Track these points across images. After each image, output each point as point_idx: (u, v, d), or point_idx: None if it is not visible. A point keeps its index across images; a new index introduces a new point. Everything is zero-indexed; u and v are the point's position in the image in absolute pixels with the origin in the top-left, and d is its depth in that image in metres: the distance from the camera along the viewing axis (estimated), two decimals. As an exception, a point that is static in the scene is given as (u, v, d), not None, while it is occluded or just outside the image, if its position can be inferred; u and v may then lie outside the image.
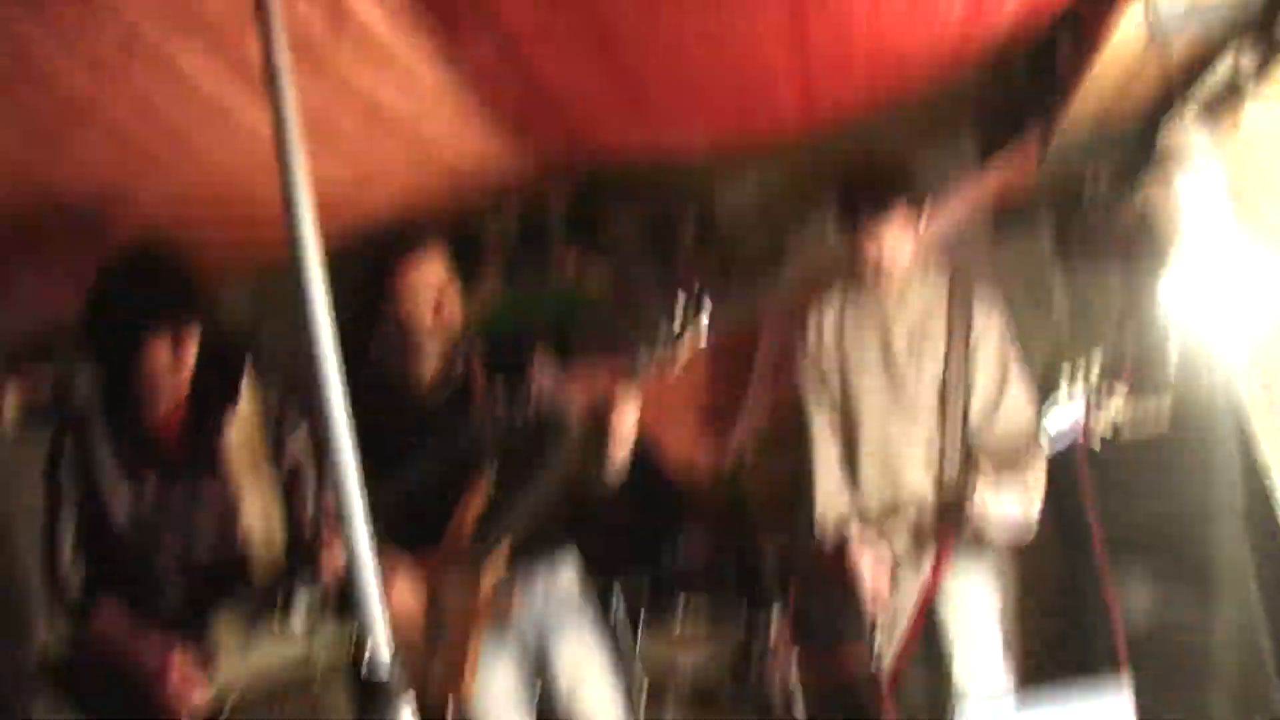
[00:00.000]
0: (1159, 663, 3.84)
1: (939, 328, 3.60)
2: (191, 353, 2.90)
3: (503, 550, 3.42)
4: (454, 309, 3.51)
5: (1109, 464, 3.90)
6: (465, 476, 3.46)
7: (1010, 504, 3.39)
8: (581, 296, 5.16)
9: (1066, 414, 3.20)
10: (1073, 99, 3.65)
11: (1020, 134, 4.07)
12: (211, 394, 3.00)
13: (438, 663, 3.46)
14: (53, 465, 2.97)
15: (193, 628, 2.88)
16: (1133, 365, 4.46)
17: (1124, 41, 3.18)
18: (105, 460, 2.94)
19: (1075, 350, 4.65)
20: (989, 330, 3.59)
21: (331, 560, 2.93)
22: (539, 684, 3.63)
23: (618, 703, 3.60)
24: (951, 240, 4.61)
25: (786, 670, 4.35)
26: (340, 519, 1.92)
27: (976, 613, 3.57)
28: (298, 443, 3.11)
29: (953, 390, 3.56)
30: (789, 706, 4.37)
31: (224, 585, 2.93)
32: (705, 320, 3.30)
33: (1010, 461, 3.34)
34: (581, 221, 5.07)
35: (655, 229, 5.54)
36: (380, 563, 3.28)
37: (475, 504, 3.44)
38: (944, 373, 3.58)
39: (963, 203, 4.24)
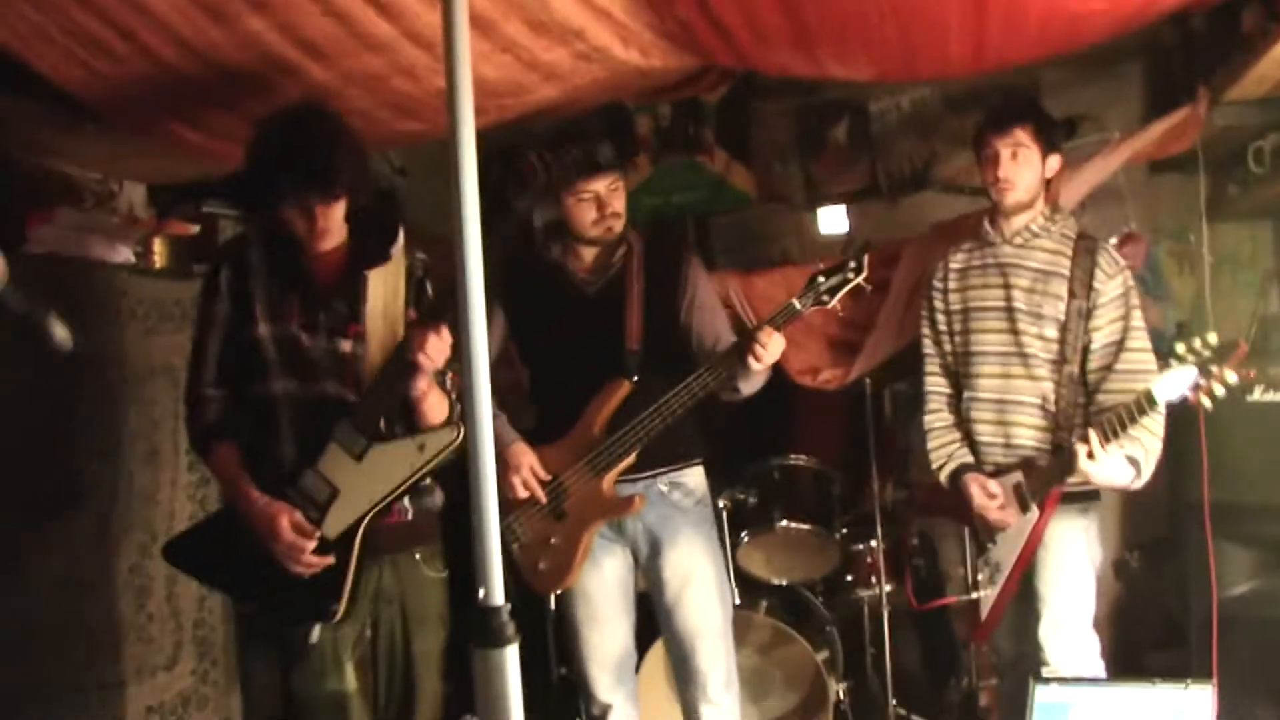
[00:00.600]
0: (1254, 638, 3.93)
1: (1060, 286, 3.61)
2: (332, 221, 3.02)
3: (631, 450, 3.55)
4: (616, 211, 3.63)
5: (1232, 424, 3.90)
6: (607, 370, 3.60)
7: (1119, 465, 3.41)
8: (730, 188, 5.21)
9: (1179, 377, 3.20)
10: (1251, 67, 3.57)
11: (1191, 91, 3.99)
12: (367, 247, 3.10)
13: (549, 550, 3.66)
14: (207, 293, 3.12)
15: (306, 461, 3.01)
16: (1270, 327, 4.48)
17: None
18: (257, 290, 3.06)
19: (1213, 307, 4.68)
20: (1112, 293, 3.58)
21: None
22: (645, 586, 3.80)
23: (720, 615, 3.71)
24: (1103, 187, 4.62)
25: (878, 601, 4.53)
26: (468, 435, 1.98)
27: (1070, 567, 3.64)
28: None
29: (1070, 349, 3.58)
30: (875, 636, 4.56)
31: (326, 415, 3.03)
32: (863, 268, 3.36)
33: (1124, 422, 3.35)
34: (732, 118, 5.11)
35: (805, 128, 5.57)
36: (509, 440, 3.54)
37: (613, 400, 3.57)
38: (1062, 330, 3.59)
39: (1119, 152, 4.16)
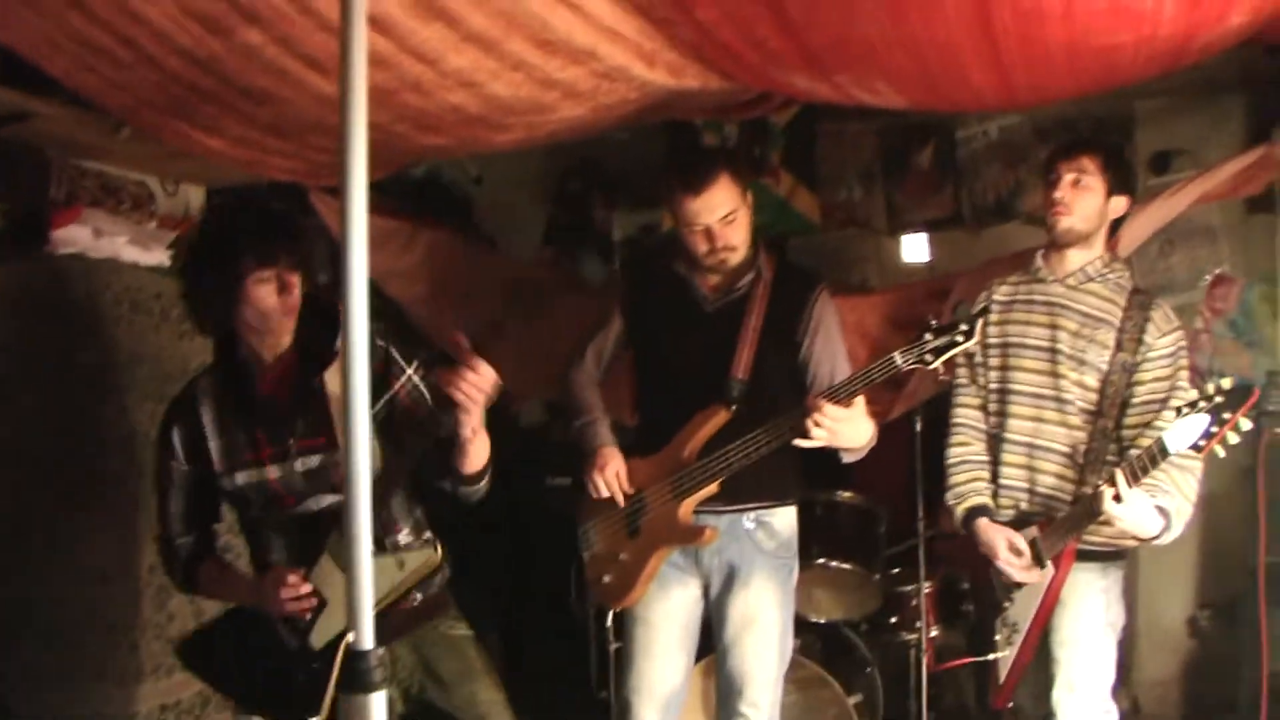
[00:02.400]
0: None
1: (1108, 335, 3.45)
2: (296, 297, 3.00)
3: (713, 480, 3.46)
4: (730, 245, 3.52)
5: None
6: (714, 393, 3.52)
7: (1148, 513, 3.23)
8: (794, 211, 5.09)
9: (1191, 424, 3.02)
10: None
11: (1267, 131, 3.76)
12: (314, 346, 3.07)
13: (616, 565, 3.61)
14: (162, 449, 3.15)
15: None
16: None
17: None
18: (212, 443, 3.08)
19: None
20: (1162, 350, 3.42)
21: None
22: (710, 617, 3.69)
23: (776, 664, 3.59)
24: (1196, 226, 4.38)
25: (919, 648, 4.36)
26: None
27: (1088, 629, 3.48)
28: (404, 389, 3.16)
29: (1108, 402, 3.43)
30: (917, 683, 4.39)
31: (316, 530, 3.03)
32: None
33: (1144, 467, 3.16)
34: (800, 141, 4.99)
35: (889, 151, 5.42)
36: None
37: (709, 426, 3.48)
38: (1103, 382, 3.44)
39: (1186, 193, 3.93)
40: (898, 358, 3.17)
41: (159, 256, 3.96)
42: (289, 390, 3.07)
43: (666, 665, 3.62)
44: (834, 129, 5.30)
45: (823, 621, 4.54)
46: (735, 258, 3.54)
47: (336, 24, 2.74)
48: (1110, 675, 3.48)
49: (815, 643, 4.51)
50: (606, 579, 3.61)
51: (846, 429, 3.25)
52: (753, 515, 3.57)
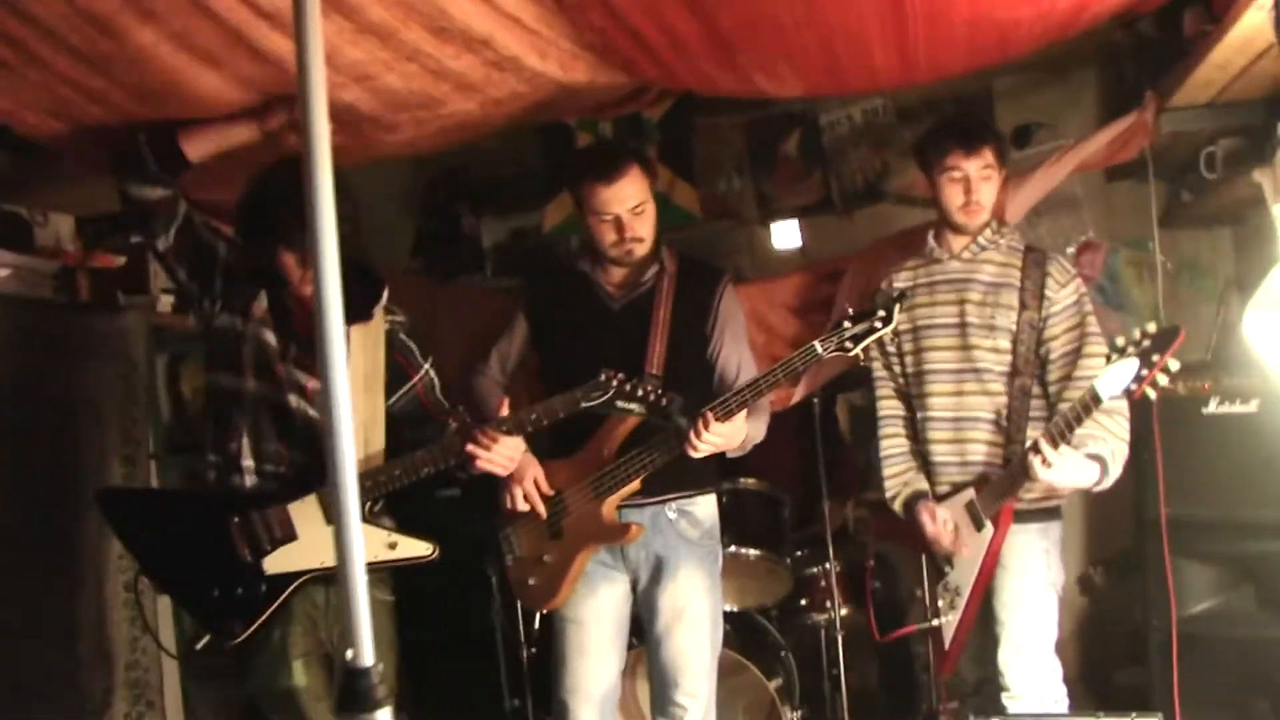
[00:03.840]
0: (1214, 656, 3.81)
1: (1011, 297, 3.52)
2: None
3: (635, 477, 3.42)
4: (638, 236, 3.51)
5: (1190, 434, 3.83)
6: None
7: (1081, 466, 3.31)
8: (674, 205, 5.08)
9: (1122, 370, 3.09)
10: (1194, 71, 3.46)
11: (1139, 98, 3.88)
12: (350, 300, 3.00)
13: (541, 567, 3.54)
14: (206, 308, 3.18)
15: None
16: (1227, 336, 4.37)
17: (1252, 25, 2.99)
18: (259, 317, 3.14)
19: (1172, 315, 4.55)
20: (1065, 301, 3.50)
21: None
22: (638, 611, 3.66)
23: (709, 653, 3.59)
24: (1059, 196, 4.51)
25: (833, 625, 4.41)
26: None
27: (1030, 589, 3.53)
28: (422, 383, 3.31)
29: (1022, 360, 3.50)
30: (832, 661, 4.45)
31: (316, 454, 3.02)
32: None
33: (1071, 422, 3.21)
34: (675, 135, 5.00)
35: (756, 142, 5.46)
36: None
37: (625, 427, 3.42)
38: (1014, 342, 3.50)
39: (1064, 162, 4.05)
40: (818, 346, 3.21)
41: (43, 289, 3.77)
42: (312, 326, 3.05)
43: (600, 663, 3.59)
44: (709, 123, 5.31)
45: (736, 609, 4.53)
46: (641, 249, 3.53)
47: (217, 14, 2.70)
48: (1053, 634, 3.54)
49: (729, 631, 4.49)
50: (532, 581, 3.56)
51: (733, 438, 3.35)
52: (675, 505, 3.55)
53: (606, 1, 2.82)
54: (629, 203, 3.46)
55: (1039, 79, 5.03)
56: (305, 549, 3.01)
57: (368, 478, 3.05)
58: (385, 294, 3.21)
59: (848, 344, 3.20)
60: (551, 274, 3.78)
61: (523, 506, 3.46)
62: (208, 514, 3.07)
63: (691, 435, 3.24)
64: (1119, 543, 4.74)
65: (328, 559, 2.99)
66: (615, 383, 3.10)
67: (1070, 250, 5.05)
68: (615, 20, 2.90)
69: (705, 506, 3.63)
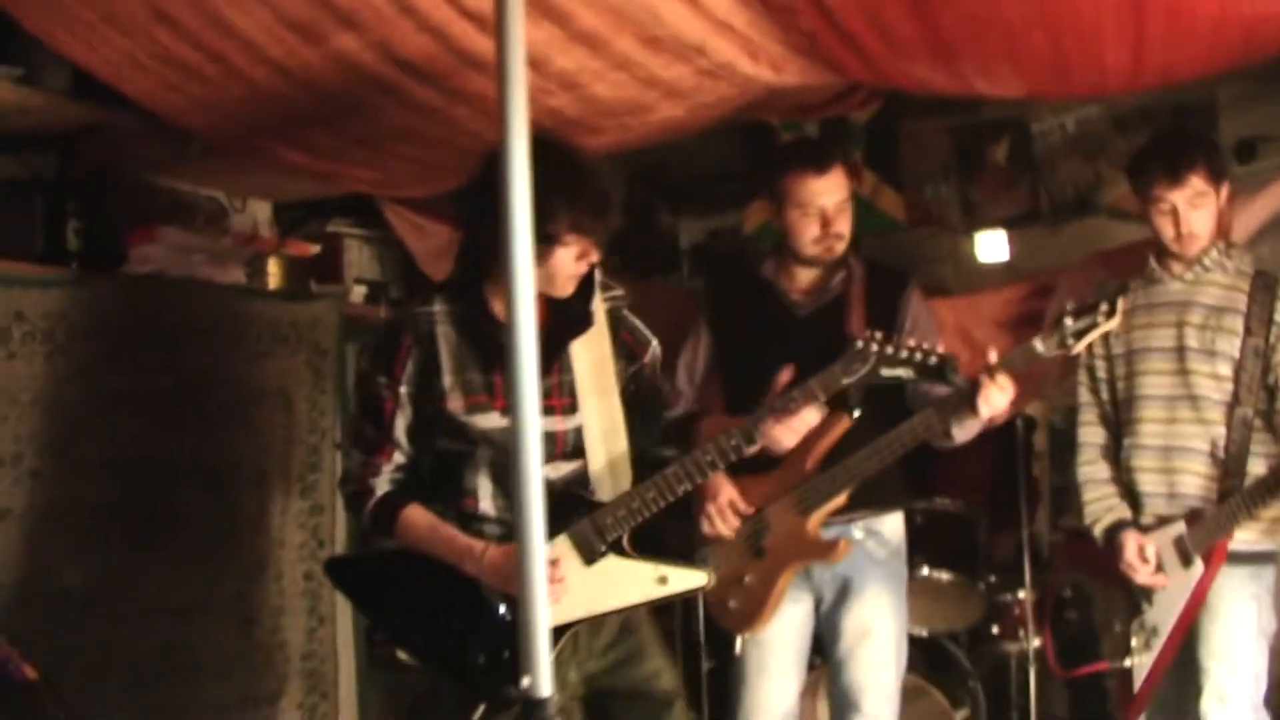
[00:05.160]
0: None
1: (1236, 322, 3.31)
2: (587, 268, 2.77)
3: (843, 489, 3.30)
4: (840, 232, 3.43)
5: None
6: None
7: None
8: (878, 211, 4.96)
9: None
10: None
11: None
12: (567, 312, 2.84)
13: (741, 588, 3.43)
14: (386, 358, 2.83)
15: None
16: None
17: None
18: (445, 354, 2.80)
19: None
20: None
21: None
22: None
23: (893, 676, 3.48)
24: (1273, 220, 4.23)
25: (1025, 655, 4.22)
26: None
27: (1239, 636, 3.30)
28: (649, 361, 3.03)
29: (1244, 389, 3.28)
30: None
31: (561, 502, 2.74)
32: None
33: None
34: (882, 139, 4.87)
35: (963, 148, 5.28)
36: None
37: (832, 435, 3.27)
38: (1236, 369, 3.28)
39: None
40: (1038, 344, 3.03)
41: (235, 274, 3.83)
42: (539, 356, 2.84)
43: (782, 684, 3.50)
44: (914, 127, 5.16)
45: (925, 634, 4.37)
46: (841, 248, 3.44)
47: (434, 23, 2.68)
48: (1263, 685, 3.32)
49: (916, 655, 4.34)
50: (733, 604, 3.44)
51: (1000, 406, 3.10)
52: (862, 524, 3.44)
53: (821, 3, 2.71)
54: (838, 194, 3.39)
55: (1268, 88, 4.73)
56: (568, 598, 2.70)
57: (620, 505, 2.79)
58: (596, 276, 2.90)
59: (1069, 340, 3.00)
60: (733, 280, 3.70)
61: (722, 530, 3.17)
62: (451, 571, 2.78)
63: (988, 383, 3.01)
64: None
65: (593, 606, 2.75)
66: (876, 345, 2.84)
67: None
68: (828, 22, 2.79)
69: (892, 525, 3.52)
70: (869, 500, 3.41)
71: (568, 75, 2.94)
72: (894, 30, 2.77)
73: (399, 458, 2.84)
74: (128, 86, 2.94)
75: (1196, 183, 3.28)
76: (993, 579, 4.39)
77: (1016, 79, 3.05)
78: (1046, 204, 5.18)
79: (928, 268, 5.25)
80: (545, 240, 2.56)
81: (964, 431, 3.29)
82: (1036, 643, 4.29)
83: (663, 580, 2.77)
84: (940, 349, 2.89)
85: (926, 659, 4.35)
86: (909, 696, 4.17)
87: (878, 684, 3.44)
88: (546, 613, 1.69)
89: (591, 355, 2.87)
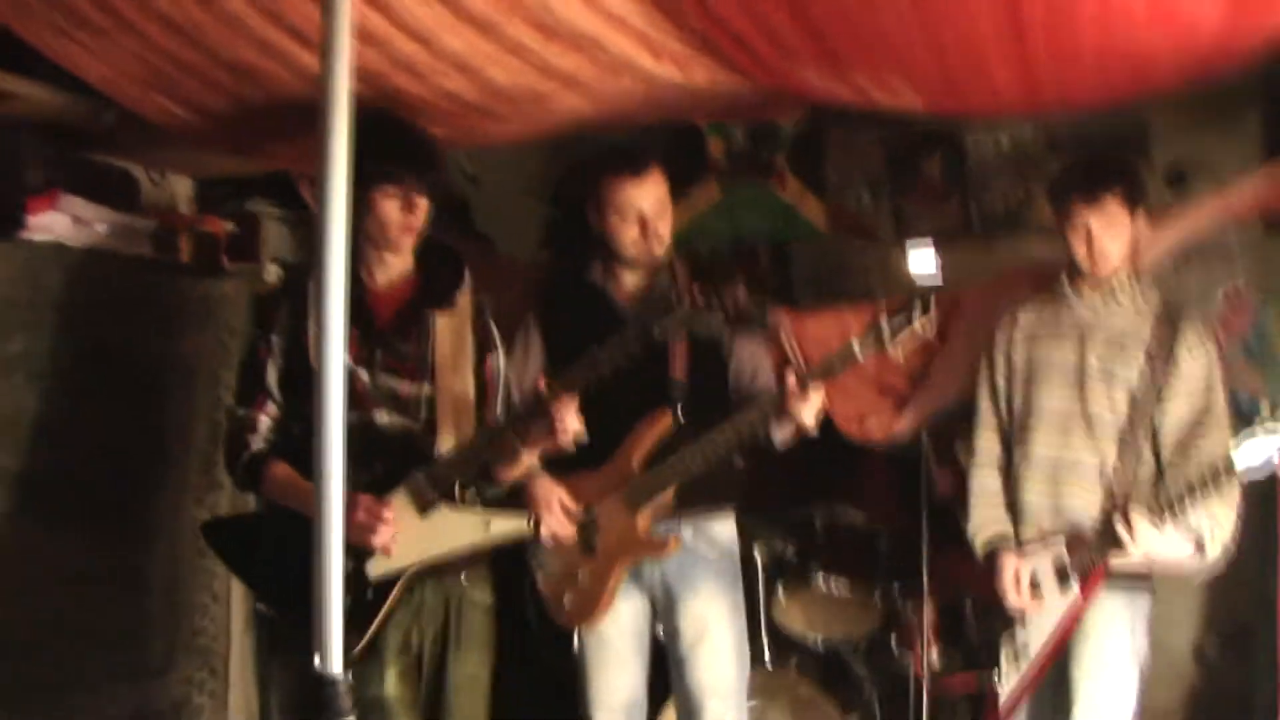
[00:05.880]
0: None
1: (1138, 350, 3.33)
2: (417, 221, 3.01)
3: (669, 485, 3.36)
4: (663, 233, 3.46)
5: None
6: (647, 400, 3.40)
7: (1174, 541, 3.15)
8: (801, 218, 4.96)
9: (1259, 447, 2.89)
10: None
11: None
12: (433, 287, 3.12)
13: (575, 587, 3.47)
14: (264, 319, 3.12)
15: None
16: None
17: None
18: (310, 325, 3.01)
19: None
20: (1195, 360, 3.29)
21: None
22: (660, 632, 3.60)
23: (735, 675, 3.48)
24: (1211, 244, 4.25)
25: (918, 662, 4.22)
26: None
27: (1112, 659, 3.32)
28: (492, 367, 3.23)
29: (1141, 417, 3.29)
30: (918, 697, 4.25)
31: (404, 462, 3.01)
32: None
33: (1191, 491, 3.07)
34: (809, 146, 4.87)
35: (896, 160, 5.27)
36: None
37: (655, 432, 3.36)
38: (1133, 397, 3.29)
39: (1208, 209, 3.80)
40: (855, 345, 3.17)
41: (142, 247, 3.80)
42: (392, 315, 3.08)
43: (623, 676, 3.53)
44: (843, 136, 5.15)
45: (820, 641, 4.37)
46: (661, 249, 3.48)
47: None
48: (1131, 707, 3.33)
49: (812, 664, 4.35)
50: (567, 600, 3.48)
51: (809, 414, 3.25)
52: (691, 524, 3.46)
53: (709, 9, 2.72)
54: (654, 198, 3.42)
55: (1200, 117, 4.73)
56: (404, 546, 2.95)
57: (451, 458, 3.03)
58: (468, 278, 3.18)
59: (887, 339, 3.13)
60: (565, 281, 3.72)
61: (561, 533, 3.33)
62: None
63: (793, 386, 3.17)
64: (1241, 615, 4.44)
65: (426, 552, 2.98)
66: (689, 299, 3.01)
67: (1218, 299, 4.74)
68: (713, 21, 2.79)
69: (723, 525, 3.55)
70: (697, 499, 3.44)
71: (459, 56, 2.92)
72: (779, 33, 2.76)
73: (272, 409, 3.09)
74: (21, 29, 2.90)
75: (1111, 205, 3.31)
76: (895, 587, 4.38)
77: (911, 93, 3.05)
78: (978, 219, 5.18)
79: (855, 278, 5.26)
80: (362, 187, 2.67)
81: (781, 433, 3.37)
82: (934, 653, 4.28)
83: (488, 525, 3.01)
84: (740, 294, 3.05)
85: (822, 668, 4.35)
86: (803, 705, 4.20)
87: (719, 684, 3.45)
88: (338, 588, 1.69)
89: (453, 334, 3.09)
